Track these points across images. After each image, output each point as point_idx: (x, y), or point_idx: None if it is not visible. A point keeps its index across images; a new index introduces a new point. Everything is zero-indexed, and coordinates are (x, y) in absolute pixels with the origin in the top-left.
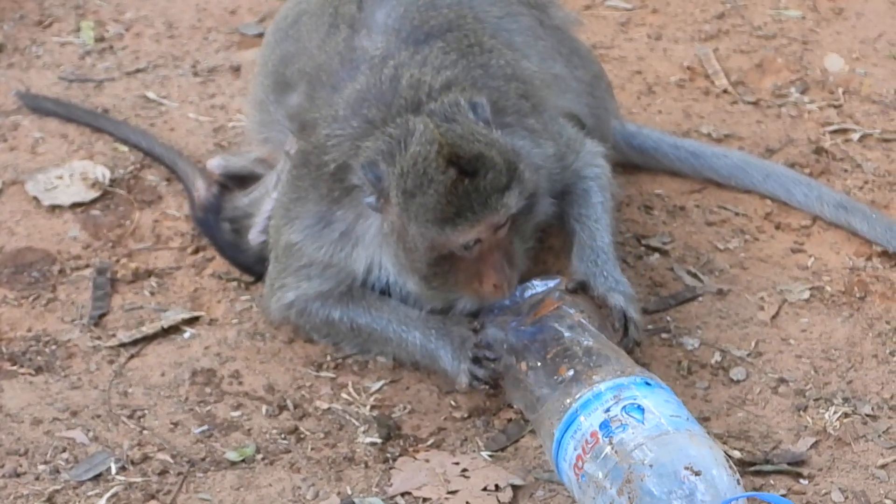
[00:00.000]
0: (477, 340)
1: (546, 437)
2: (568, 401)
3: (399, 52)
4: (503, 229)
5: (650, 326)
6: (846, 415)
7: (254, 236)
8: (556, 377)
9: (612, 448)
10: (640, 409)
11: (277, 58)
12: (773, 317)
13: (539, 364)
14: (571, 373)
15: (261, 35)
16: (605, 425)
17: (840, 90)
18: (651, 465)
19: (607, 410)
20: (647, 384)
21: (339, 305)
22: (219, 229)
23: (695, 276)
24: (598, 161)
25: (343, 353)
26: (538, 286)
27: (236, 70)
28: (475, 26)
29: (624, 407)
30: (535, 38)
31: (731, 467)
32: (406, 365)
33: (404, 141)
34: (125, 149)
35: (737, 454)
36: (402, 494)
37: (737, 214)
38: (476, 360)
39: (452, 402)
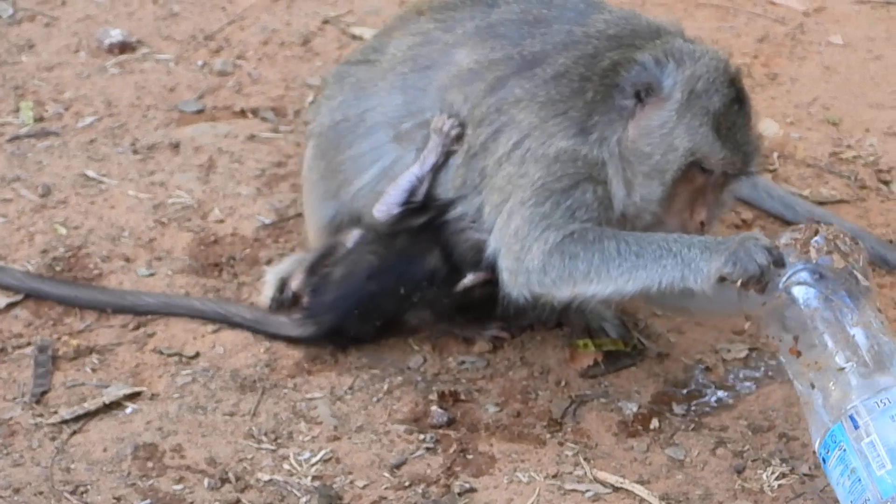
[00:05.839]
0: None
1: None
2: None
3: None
4: (723, 178)
5: (588, 391)
6: (784, 475)
7: (379, 209)
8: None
9: None
10: None
11: (408, 47)
12: (711, 377)
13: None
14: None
15: (200, 111)
16: None
17: (775, 154)
18: None
19: None
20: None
21: (605, 232)
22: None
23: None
24: None
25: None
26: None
27: (175, 147)
28: None
29: None
30: None
31: None
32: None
33: (692, 52)
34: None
35: None
36: None
37: None
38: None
39: (394, 471)
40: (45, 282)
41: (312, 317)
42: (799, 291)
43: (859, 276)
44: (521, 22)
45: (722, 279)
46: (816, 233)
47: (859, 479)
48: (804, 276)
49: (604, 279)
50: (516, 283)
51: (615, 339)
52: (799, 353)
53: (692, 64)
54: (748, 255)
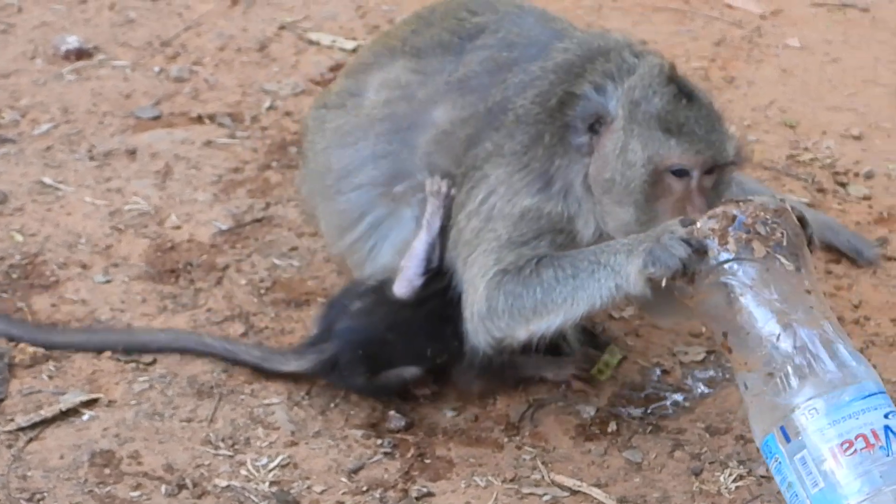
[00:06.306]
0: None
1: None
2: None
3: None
4: (710, 177)
5: (546, 395)
6: (741, 477)
7: (400, 286)
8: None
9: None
10: None
11: (384, 101)
12: (668, 381)
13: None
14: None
15: (157, 118)
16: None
17: None
18: None
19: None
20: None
21: (541, 261)
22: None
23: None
24: None
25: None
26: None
27: (132, 153)
28: None
29: None
30: None
31: None
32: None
33: (630, 66)
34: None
35: None
36: None
37: None
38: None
39: (352, 476)
40: (54, 331)
41: (314, 344)
42: (721, 286)
43: (783, 261)
44: (486, 72)
45: (650, 279)
46: (734, 220)
47: (796, 495)
48: (725, 269)
49: (551, 310)
50: (477, 331)
51: (612, 354)
52: (730, 350)
53: (628, 77)
54: (665, 251)
